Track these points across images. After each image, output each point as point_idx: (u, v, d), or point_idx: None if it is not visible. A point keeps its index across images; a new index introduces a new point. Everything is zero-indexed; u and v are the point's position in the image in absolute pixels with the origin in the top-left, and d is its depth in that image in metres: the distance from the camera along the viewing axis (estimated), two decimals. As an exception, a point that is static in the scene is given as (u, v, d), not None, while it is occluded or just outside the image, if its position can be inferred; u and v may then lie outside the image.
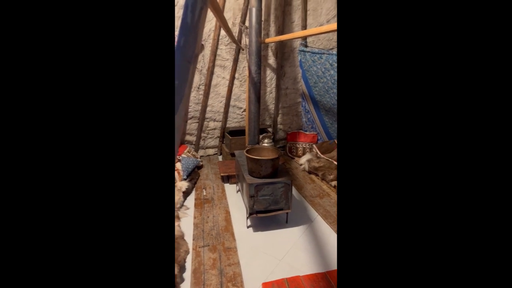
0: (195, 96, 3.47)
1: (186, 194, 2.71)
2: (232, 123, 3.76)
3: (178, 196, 2.56)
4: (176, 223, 2.15)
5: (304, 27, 3.32)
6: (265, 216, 2.19)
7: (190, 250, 1.95)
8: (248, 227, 2.25)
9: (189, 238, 2.08)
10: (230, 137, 3.40)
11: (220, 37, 3.18)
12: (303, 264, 1.81)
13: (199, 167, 3.40)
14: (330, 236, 2.13)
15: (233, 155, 3.39)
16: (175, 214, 2.28)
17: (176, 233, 2.01)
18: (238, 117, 3.75)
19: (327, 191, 2.86)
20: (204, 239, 2.09)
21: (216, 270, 1.76)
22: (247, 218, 2.23)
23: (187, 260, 1.85)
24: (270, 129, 3.77)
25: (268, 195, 2.14)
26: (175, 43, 0.62)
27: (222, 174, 3.02)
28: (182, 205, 2.55)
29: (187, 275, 1.72)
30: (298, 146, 3.83)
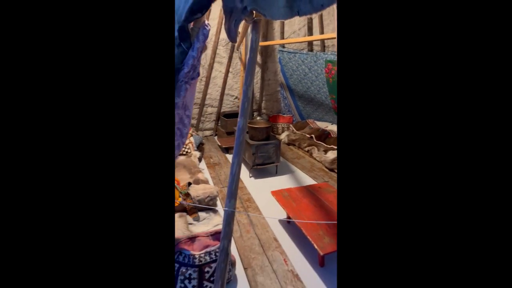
0: (198, 86, 4.32)
1: (199, 159, 3.61)
2: (225, 108, 4.67)
3: (195, 160, 3.45)
4: (200, 174, 3.05)
5: (282, 33, 4.32)
6: (262, 168, 3.19)
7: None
8: (250, 176, 3.23)
9: (211, 184, 3.00)
10: (226, 119, 4.32)
11: (220, 40, 4.05)
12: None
13: (202, 143, 4.28)
14: (306, 178, 3.19)
15: (228, 133, 4.32)
16: (198, 170, 3.17)
17: (203, 178, 2.92)
18: (230, 103, 4.67)
19: (302, 155, 3.94)
20: (222, 184, 3.04)
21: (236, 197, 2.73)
22: (250, 170, 3.21)
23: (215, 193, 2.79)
24: (256, 113, 4.75)
25: (264, 152, 3.13)
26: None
27: (224, 146, 3.95)
28: (198, 167, 3.45)
29: (218, 202, 2.67)
30: (278, 126, 4.87)
